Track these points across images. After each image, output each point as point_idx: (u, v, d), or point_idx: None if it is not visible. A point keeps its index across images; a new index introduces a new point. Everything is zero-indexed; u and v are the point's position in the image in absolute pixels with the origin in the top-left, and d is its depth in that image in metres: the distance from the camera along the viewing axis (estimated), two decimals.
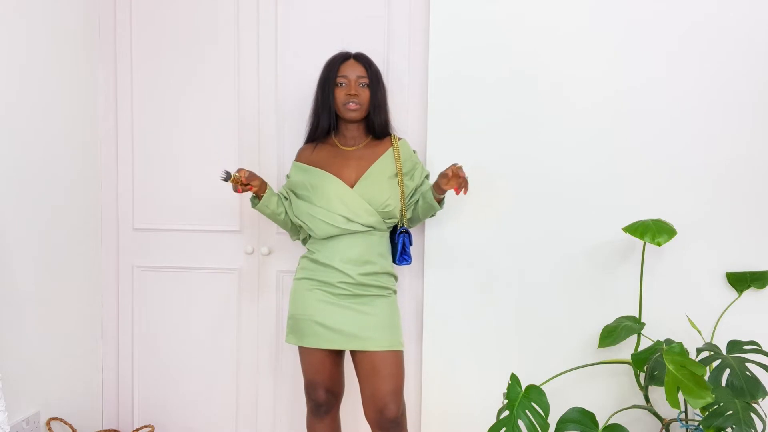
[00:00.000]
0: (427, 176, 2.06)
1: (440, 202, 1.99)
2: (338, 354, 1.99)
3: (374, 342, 1.88)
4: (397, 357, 1.91)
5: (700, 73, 2.02)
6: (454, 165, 1.84)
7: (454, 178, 1.83)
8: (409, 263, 2.03)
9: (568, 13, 2.08)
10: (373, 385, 1.89)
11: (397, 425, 1.90)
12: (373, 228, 1.94)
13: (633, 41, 2.05)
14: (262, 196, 2.00)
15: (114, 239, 2.49)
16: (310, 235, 2.02)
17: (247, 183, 1.91)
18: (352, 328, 1.89)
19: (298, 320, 1.96)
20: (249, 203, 2.32)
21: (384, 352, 1.88)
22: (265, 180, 2.07)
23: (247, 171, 1.93)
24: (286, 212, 2.04)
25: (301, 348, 1.99)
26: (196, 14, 2.37)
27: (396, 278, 2.03)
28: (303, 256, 2.03)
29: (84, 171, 2.37)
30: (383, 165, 1.96)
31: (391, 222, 1.99)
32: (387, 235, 2.02)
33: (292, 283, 2.03)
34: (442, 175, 1.86)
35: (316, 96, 2.02)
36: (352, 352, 1.94)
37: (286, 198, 2.06)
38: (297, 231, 2.09)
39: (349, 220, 1.91)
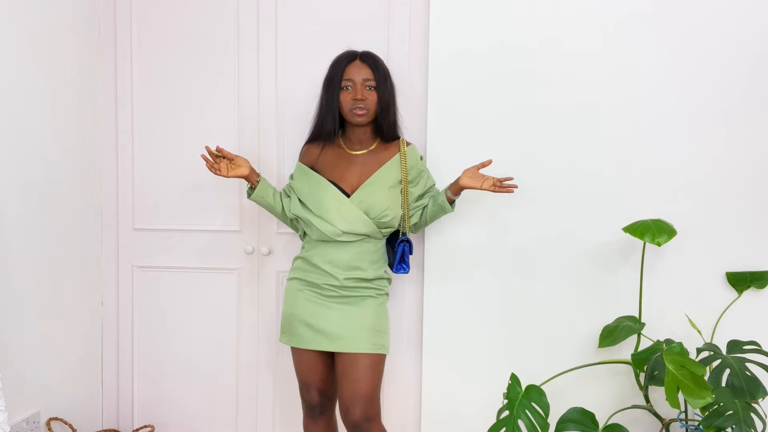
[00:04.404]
0: (433, 185, 2.04)
1: (452, 203, 1.96)
2: (329, 355, 1.95)
3: (352, 343, 1.85)
4: (373, 360, 1.86)
5: (703, 75, 2.02)
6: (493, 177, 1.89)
7: (483, 178, 1.87)
8: (407, 272, 2.00)
9: (568, 13, 2.08)
10: (342, 385, 1.87)
11: (360, 430, 1.85)
12: (368, 236, 1.93)
13: (638, 41, 2.05)
14: (255, 187, 1.99)
15: (114, 239, 2.49)
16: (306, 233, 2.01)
17: (222, 155, 1.93)
18: (336, 329, 1.87)
19: (289, 320, 1.96)
20: (249, 204, 2.33)
21: (359, 354, 1.85)
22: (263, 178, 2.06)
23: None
24: (283, 208, 2.02)
25: (293, 348, 1.98)
26: (197, 14, 2.37)
27: (389, 281, 2.01)
28: (296, 257, 2.03)
29: (84, 171, 2.37)
30: (387, 172, 1.93)
31: (387, 231, 1.97)
32: (382, 242, 1.99)
33: (286, 282, 2.04)
34: (470, 175, 1.89)
35: (321, 96, 1.97)
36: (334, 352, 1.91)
37: (287, 195, 2.04)
38: (295, 226, 2.07)
39: (344, 233, 1.89)
